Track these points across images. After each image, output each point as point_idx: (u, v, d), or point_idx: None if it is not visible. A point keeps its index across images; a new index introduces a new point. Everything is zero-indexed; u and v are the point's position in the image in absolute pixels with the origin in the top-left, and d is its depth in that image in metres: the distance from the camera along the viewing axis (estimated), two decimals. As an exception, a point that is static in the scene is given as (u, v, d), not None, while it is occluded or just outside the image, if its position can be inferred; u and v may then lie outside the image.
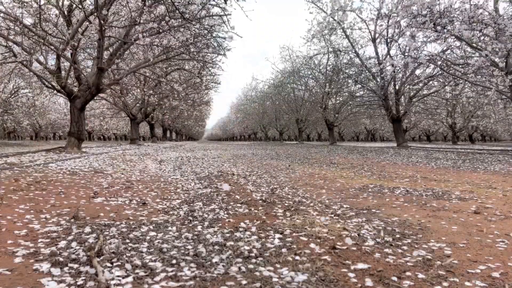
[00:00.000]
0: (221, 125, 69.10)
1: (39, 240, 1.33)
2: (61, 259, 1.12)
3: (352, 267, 1.10)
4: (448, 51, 9.94)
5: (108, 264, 1.08)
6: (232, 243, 1.30)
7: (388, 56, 12.59)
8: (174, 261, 1.12)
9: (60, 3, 6.46)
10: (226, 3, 5.82)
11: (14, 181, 2.67)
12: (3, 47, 7.04)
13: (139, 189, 2.68)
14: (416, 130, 30.80)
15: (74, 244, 1.27)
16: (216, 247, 1.26)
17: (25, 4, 5.92)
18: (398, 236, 1.45)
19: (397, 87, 13.27)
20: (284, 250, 1.24)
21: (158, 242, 1.32)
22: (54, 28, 6.42)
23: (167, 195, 2.44)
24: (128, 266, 1.06)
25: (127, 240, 1.33)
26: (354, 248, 1.28)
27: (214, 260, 1.13)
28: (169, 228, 1.53)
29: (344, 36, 13.96)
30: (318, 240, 1.36)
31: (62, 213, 1.80)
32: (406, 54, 9.65)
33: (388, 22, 12.20)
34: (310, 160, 6.42)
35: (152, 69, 10.09)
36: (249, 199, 2.29)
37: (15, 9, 6.52)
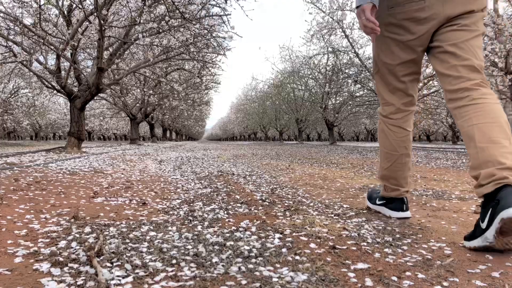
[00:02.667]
0: (221, 125, 69.12)
1: (39, 240, 1.33)
2: (61, 259, 1.12)
3: (352, 267, 1.10)
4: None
5: (108, 264, 1.08)
6: (232, 243, 1.30)
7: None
8: (174, 261, 1.12)
9: (60, 3, 6.46)
10: (226, 2, 5.82)
11: (14, 181, 2.67)
12: (3, 47, 7.04)
13: (139, 189, 2.68)
14: (416, 130, 30.79)
15: (74, 244, 1.27)
16: (216, 247, 1.26)
17: (25, 4, 5.92)
18: (398, 236, 1.45)
19: (397, 87, 13.26)
20: (284, 250, 1.24)
21: (158, 242, 1.32)
22: (54, 28, 6.42)
23: (167, 195, 2.44)
24: (128, 266, 1.06)
25: (127, 240, 1.33)
26: (354, 248, 1.28)
27: (214, 260, 1.12)
28: (169, 228, 1.53)
29: (344, 36, 13.95)
30: (318, 240, 1.36)
31: (62, 213, 1.80)
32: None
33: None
34: (310, 160, 6.42)
35: (152, 69, 10.09)
36: (249, 199, 2.29)
37: (15, 9, 6.53)
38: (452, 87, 1.41)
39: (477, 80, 1.38)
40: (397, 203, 1.74)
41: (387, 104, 1.67)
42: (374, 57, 1.67)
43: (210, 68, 10.19)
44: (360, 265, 1.11)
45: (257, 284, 0.95)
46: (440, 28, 1.46)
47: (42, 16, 5.75)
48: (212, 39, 7.26)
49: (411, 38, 1.50)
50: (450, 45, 1.42)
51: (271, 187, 2.82)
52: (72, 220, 1.64)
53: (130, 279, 0.98)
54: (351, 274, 1.04)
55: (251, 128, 39.70)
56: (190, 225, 1.60)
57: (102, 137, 47.33)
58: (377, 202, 1.84)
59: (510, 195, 1.14)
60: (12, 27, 6.21)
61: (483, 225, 1.21)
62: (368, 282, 0.99)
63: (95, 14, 5.33)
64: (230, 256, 1.17)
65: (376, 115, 15.31)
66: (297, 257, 1.17)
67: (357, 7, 1.46)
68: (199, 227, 1.55)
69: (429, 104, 15.94)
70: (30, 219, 1.64)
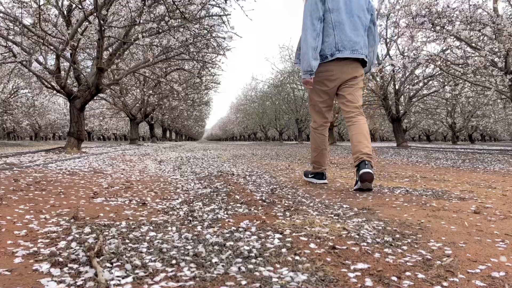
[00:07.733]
0: (221, 125, 69.14)
1: (39, 241, 1.33)
2: (60, 259, 1.12)
3: (352, 267, 1.09)
4: (448, 51, 9.94)
5: (108, 264, 1.08)
6: (231, 243, 1.30)
7: (388, 56, 12.60)
8: (174, 261, 1.12)
9: (60, 3, 6.46)
10: (226, 2, 5.82)
11: (13, 181, 2.67)
12: (2, 47, 7.04)
13: (139, 189, 2.68)
14: (416, 130, 30.80)
15: (73, 244, 1.27)
16: (216, 247, 1.26)
17: (25, 4, 5.92)
18: (398, 236, 1.45)
19: (396, 87, 13.26)
20: (284, 250, 1.24)
21: (158, 242, 1.32)
22: (54, 28, 6.42)
23: (167, 195, 2.44)
24: (127, 266, 1.06)
25: (127, 240, 1.33)
26: (354, 248, 1.28)
27: (214, 260, 1.12)
28: (169, 228, 1.53)
29: (344, 36, 13.93)
30: (318, 240, 1.36)
31: (62, 213, 1.80)
32: (405, 54, 9.65)
33: (387, 22, 12.20)
34: (310, 160, 6.41)
35: (152, 69, 10.09)
36: (249, 199, 2.29)
37: (15, 9, 6.53)
38: (346, 114, 2.85)
39: (357, 112, 2.80)
40: (320, 176, 3.08)
41: (316, 123, 3.05)
42: (309, 98, 3.04)
43: (210, 68, 10.18)
44: (360, 265, 1.11)
45: (257, 284, 0.95)
46: (341, 85, 2.86)
47: (41, 16, 5.74)
48: (212, 39, 7.26)
49: (327, 89, 2.88)
50: (346, 94, 2.84)
51: (271, 187, 2.82)
52: (72, 220, 1.64)
53: (130, 279, 0.98)
54: (351, 274, 1.04)
55: (251, 128, 39.67)
56: (190, 225, 1.60)
57: (102, 137, 47.32)
58: (309, 176, 3.16)
59: (363, 164, 2.52)
60: (12, 27, 6.20)
61: (357, 179, 2.61)
62: (368, 282, 0.99)
63: (95, 14, 5.33)
64: (230, 256, 1.17)
65: (376, 115, 15.23)
66: (297, 257, 1.17)
67: (303, 78, 2.78)
68: (199, 227, 1.55)
69: (429, 104, 15.92)
70: (29, 219, 1.64)
